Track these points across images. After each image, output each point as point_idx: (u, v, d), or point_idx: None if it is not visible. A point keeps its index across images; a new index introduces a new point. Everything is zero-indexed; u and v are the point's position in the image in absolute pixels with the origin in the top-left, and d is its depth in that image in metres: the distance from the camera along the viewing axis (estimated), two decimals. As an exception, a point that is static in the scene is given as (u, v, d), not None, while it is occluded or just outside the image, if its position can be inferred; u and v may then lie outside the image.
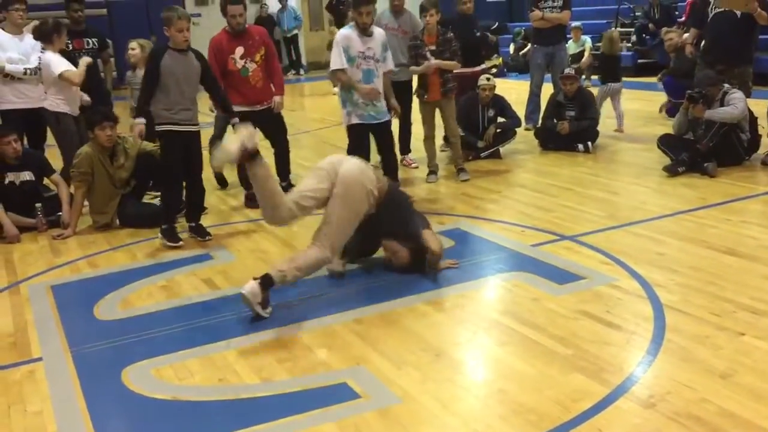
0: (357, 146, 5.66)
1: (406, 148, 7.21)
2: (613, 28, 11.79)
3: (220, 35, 5.94)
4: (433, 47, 6.30)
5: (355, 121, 5.69)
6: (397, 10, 6.84)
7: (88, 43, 6.99)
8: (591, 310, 3.68)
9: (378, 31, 5.72)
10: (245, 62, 5.84)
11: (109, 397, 3.20)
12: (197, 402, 3.11)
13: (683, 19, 11.83)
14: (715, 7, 6.74)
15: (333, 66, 5.65)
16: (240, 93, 5.82)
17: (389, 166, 5.86)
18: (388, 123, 5.88)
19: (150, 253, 5.09)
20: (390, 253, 4.39)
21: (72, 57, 6.57)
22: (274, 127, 6.12)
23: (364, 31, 5.54)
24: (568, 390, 2.96)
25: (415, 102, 6.76)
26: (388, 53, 5.79)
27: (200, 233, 5.32)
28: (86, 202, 5.71)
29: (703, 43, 7.13)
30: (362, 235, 4.31)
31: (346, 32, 5.62)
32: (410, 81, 6.82)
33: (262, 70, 5.90)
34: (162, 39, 5.00)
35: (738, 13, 6.53)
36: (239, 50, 5.81)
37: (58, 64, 5.95)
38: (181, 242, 5.16)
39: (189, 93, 5.07)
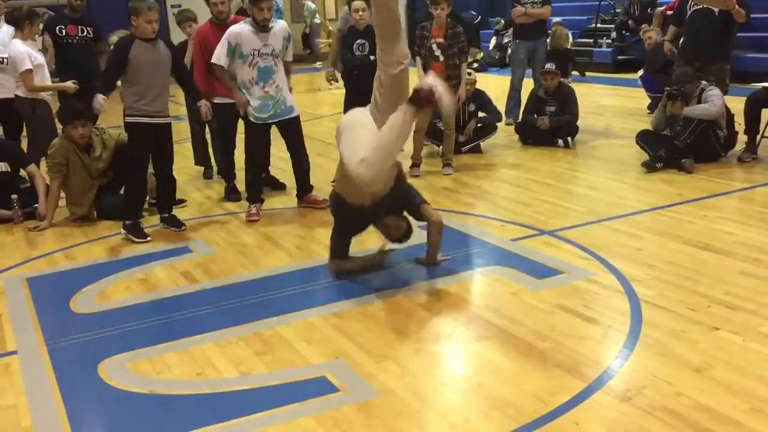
0: (252, 147, 5.51)
1: None
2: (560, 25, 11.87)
3: (205, 26, 5.93)
4: (441, 40, 6.27)
5: (260, 119, 5.41)
6: (349, 1, 6.67)
7: (82, 31, 6.91)
8: (569, 305, 3.71)
9: (280, 26, 5.41)
10: None
11: (85, 391, 3.17)
12: (174, 396, 3.09)
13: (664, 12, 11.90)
14: (693, 5, 6.79)
15: (213, 59, 5.34)
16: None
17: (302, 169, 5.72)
18: (296, 118, 5.62)
19: (128, 245, 5.04)
20: (389, 227, 4.19)
21: (65, 42, 6.50)
22: None
23: (263, 28, 5.26)
24: (546, 384, 2.98)
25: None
26: (290, 45, 5.52)
27: (174, 223, 5.30)
28: (63, 194, 5.64)
29: (681, 40, 7.19)
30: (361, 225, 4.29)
31: (239, 29, 5.28)
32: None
33: None
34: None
35: (716, 10, 6.59)
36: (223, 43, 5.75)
37: (22, 60, 5.87)
38: (148, 237, 5.09)
39: (160, 83, 5.00)
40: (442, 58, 6.29)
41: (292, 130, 5.61)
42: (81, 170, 5.53)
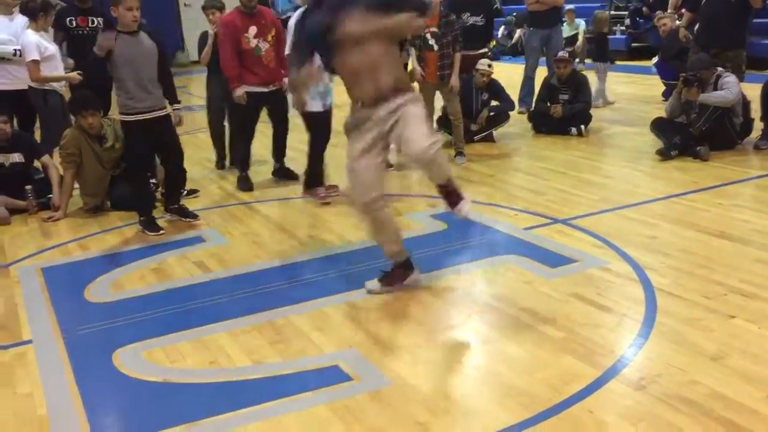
0: (318, 134, 5.56)
1: None
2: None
3: (232, 14, 5.92)
4: (434, 29, 6.24)
5: (317, 108, 5.43)
6: None
7: (93, 22, 6.93)
8: (583, 293, 3.69)
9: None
10: (258, 41, 5.80)
11: (99, 380, 3.18)
12: (188, 384, 3.10)
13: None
14: None
15: (286, 52, 5.40)
16: (254, 73, 5.80)
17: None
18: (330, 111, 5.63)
19: (141, 235, 5.06)
20: None
21: (75, 33, 6.53)
22: (280, 108, 6.09)
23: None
24: (559, 372, 2.97)
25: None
26: None
27: (183, 214, 5.29)
28: (77, 184, 5.67)
29: (696, 26, 7.11)
30: None
31: (300, 16, 5.29)
32: None
33: (273, 50, 5.85)
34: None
35: None
36: (252, 29, 5.78)
37: (30, 51, 5.88)
38: (162, 231, 5.07)
39: (148, 76, 4.83)
40: (436, 48, 6.28)
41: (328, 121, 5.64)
42: (94, 160, 5.55)
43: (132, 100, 4.80)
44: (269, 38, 5.84)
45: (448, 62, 6.32)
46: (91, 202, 5.64)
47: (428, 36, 6.25)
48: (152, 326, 3.65)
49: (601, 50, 9.29)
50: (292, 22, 5.35)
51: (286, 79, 5.95)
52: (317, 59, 3.78)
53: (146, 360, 3.31)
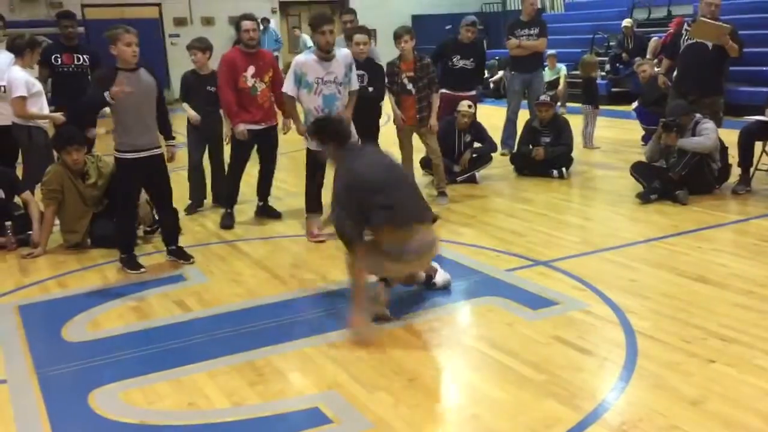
0: (313, 169, 5.66)
1: None
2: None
3: (233, 52, 6.04)
4: (411, 74, 6.35)
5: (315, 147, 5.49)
6: (348, 36, 6.73)
7: (78, 59, 6.97)
8: (564, 336, 3.69)
9: (341, 54, 5.52)
10: (255, 81, 5.90)
11: (74, 421, 3.13)
12: (165, 426, 3.05)
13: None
14: (687, 39, 6.88)
15: (283, 89, 5.54)
16: (248, 111, 5.91)
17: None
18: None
19: (121, 273, 5.01)
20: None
21: (61, 71, 6.55)
22: (270, 148, 6.18)
23: (327, 55, 5.38)
24: (541, 416, 2.95)
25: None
26: (353, 73, 5.61)
27: (181, 256, 5.23)
28: (57, 221, 5.62)
29: (675, 73, 7.27)
30: None
31: (303, 58, 5.49)
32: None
33: (269, 91, 5.96)
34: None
35: (709, 44, 6.67)
36: (251, 69, 5.88)
37: (16, 87, 5.90)
38: (143, 269, 5.02)
39: (147, 113, 4.83)
40: (414, 91, 6.38)
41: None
42: (76, 197, 5.52)
43: (130, 137, 4.77)
44: (266, 79, 5.93)
45: (426, 104, 6.43)
46: (71, 239, 5.60)
47: (405, 80, 6.36)
48: (130, 366, 3.59)
49: (589, 94, 9.39)
50: (294, 63, 5.51)
51: (280, 119, 6.05)
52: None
53: (123, 401, 3.26)
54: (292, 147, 10.49)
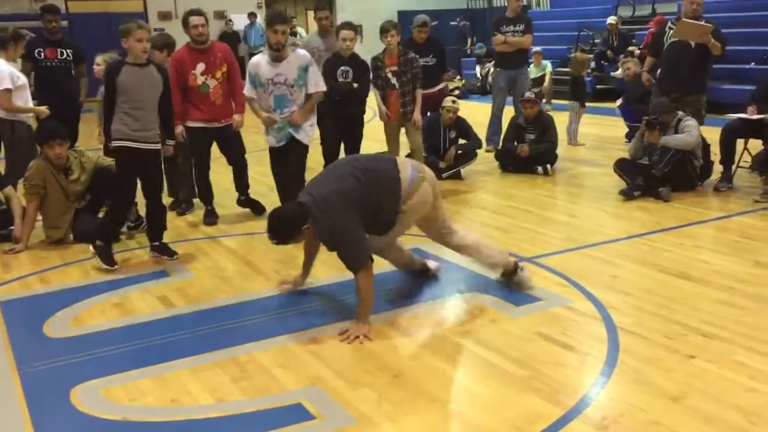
0: (273, 170, 5.74)
1: None
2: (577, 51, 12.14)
3: (182, 50, 5.93)
4: (395, 68, 6.36)
5: (272, 145, 5.65)
6: (324, 29, 6.79)
7: (62, 53, 6.91)
8: (547, 332, 3.71)
9: (296, 56, 5.46)
10: (206, 78, 5.83)
11: (56, 418, 3.11)
12: (148, 423, 3.04)
13: (641, 48, 12.11)
14: (670, 37, 6.92)
15: (243, 91, 5.60)
16: (199, 109, 5.85)
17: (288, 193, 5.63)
18: (289, 146, 5.62)
19: (104, 269, 4.98)
20: None
21: (44, 66, 6.49)
22: (231, 146, 6.14)
23: (277, 57, 5.36)
24: (523, 412, 2.97)
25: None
26: (309, 75, 5.49)
27: (165, 252, 5.20)
28: (39, 217, 5.58)
29: (659, 71, 7.31)
30: None
31: (257, 59, 5.52)
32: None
33: (222, 88, 5.88)
34: (123, 53, 4.86)
35: (692, 43, 6.72)
36: (200, 66, 5.81)
37: (3, 79, 5.84)
38: (115, 266, 4.94)
39: (149, 109, 4.85)
40: (397, 86, 6.39)
41: (290, 153, 5.66)
42: (58, 193, 5.48)
43: (128, 127, 4.78)
44: (218, 75, 5.85)
45: (410, 98, 6.46)
46: (53, 235, 5.56)
47: (389, 75, 6.37)
48: (112, 362, 3.58)
49: (577, 91, 9.46)
50: (249, 65, 5.50)
51: (236, 116, 5.99)
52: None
53: (105, 397, 3.24)
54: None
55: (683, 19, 6.78)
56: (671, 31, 6.92)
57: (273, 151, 5.72)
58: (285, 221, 3.82)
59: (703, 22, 6.64)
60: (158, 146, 5.01)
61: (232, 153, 6.16)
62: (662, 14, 11.96)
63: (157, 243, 5.23)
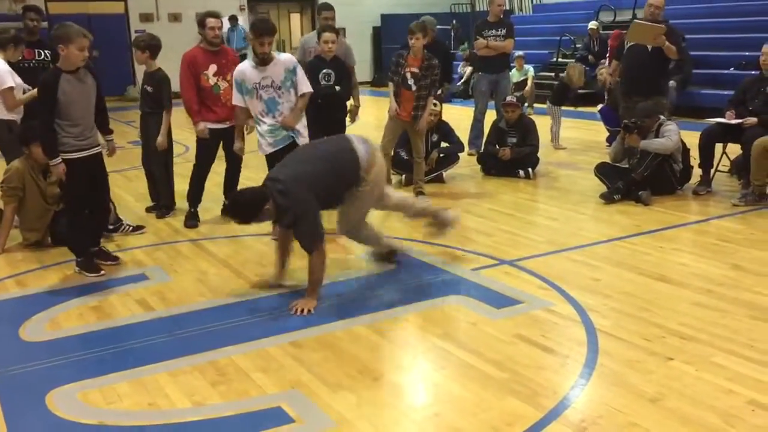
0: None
1: None
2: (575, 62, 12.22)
3: (195, 50, 5.96)
4: (415, 70, 6.37)
5: (267, 151, 5.50)
6: (323, 30, 6.78)
7: (39, 54, 6.85)
8: (527, 334, 3.72)
9: (280, 59, 5.35)
10: (218, 80, 5.86)
11: (32, 422, 3.07)
12: (125, 427, 3.01)
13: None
14: (628, 42, 7.06)
15: (233, 102, 5.46)
16: (210, 110, 5.88)
17: None
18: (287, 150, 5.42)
19: (92, 277, 4.91)
20: None
21: (21, 66, 6.43)
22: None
23: (262, 62, 5.27)
24: (502, 414, 2.97)
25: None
26: (299, 77, 5.40)
27: (105, 257, 5.07)
28: (16, 219, 5.51)
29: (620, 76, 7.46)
30: None
31: (242, 66, 5.39)
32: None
33: (230, 90, 5.85)
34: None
35: (648, 47, 6.85)
36: (213, 67, 5.86)
37: (6, 78, 5.80)
38: (102, 272, 4.88)
39: (91, 113, 4.74)
40: (414, 88, 6.41)
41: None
42: (36, 195, 5.42)
43: (76, 138, 4.64)
44: (229, 77, 5.84)
45: (423, 103, 6.48)
46: (31, 237, 5.49)
47: (408, 75, 6.38)
48: (89, 366, 3.54)
49: (560, 95, 9.57)
50: (234, 74, 5.39)
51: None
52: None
53: (81, 401, 3.21)
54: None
55: (636, 20, 6.93)
56: (627, 36, 7.09)
57: (270, 158, 5.44)
58: (246, 202, 4.14)
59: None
60: (100, 148, 4.89)
61: (235, 154, 6.00)
62: (618, 29, 12.07)
63: (95, 248, 5.05)
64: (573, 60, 13.88)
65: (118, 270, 4.99)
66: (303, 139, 5.54)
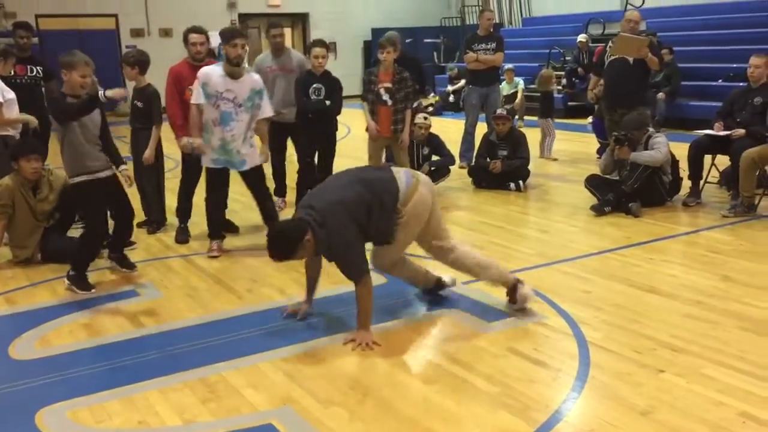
0: (210, 188, 5.55)
1: (281, 191, 7.09)
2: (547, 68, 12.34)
3: (181, 65, 5.95)
4: (388, 85, 6.39)
5: (207, 164, 5.47)
6: (277, 48, 6.73)
7: (31, 71, 6.88)
8: (519, 348, 3.72)
9: (250, 78, 5.37)
10: None
11: (20, 442, 3.04)
12: (115, 446, 2.99)
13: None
14: (609, 55, 7.12)
15: (192, 100, 5.39)
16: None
17: (267, 214, 5.67)
18: (253, 170, 5.55)
19: (82, 294, 4.89)
20: None
21: (14, 82, 6.44)
22: None
23: (232, 74, 5.25)
24: (494, 428, 2.97)
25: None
26: (263, 101, 5.42)
27: (124, 264, 5.21)
28: (6, 236, 5.49)
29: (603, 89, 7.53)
30: None
31: (210, 69, 5.37)
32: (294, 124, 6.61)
33: None
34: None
35: (630, 59, 6.92)
36: (197, 83, 5.78)
37: None
38: (93, 289, 4.87)
39: (96, 136, 4.79)
40: (390, 103, 6.42)
41: (249, 179, 5.59)
42: (26, 212, 5.40)
43: (89, 160, 4.71)
44: None
45: (401, 117, 6.48)
46: (21, 254, 5.47)
47: (382, 91, 6.40)
48: (79, 384, 3.52)
49: (546, 107, 9.65)
50: (200, 73, 5.32)
51: None
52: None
53: (71, 420, 3.18)
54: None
55: (621, 33, 7.00)
56: (610, 49, 7.15)
57: (214, 171, 5.46)
58: (285, 236, 3.80)
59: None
60: (113, 170, 4.94)
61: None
62: (601, 46, 12.17)
63: (116, 254, 5.25)
64: (563, 72, 14.01)
65: (108, 286, 4.97)
66: (252, 162, 5.47)
